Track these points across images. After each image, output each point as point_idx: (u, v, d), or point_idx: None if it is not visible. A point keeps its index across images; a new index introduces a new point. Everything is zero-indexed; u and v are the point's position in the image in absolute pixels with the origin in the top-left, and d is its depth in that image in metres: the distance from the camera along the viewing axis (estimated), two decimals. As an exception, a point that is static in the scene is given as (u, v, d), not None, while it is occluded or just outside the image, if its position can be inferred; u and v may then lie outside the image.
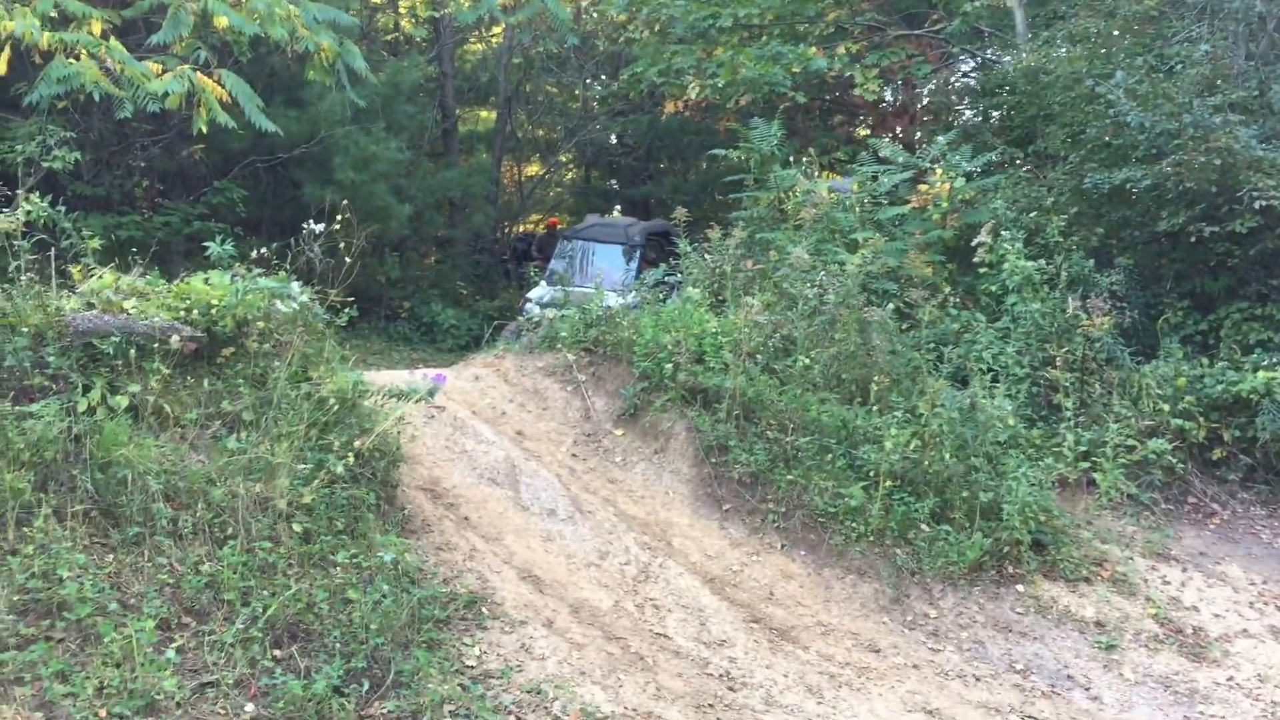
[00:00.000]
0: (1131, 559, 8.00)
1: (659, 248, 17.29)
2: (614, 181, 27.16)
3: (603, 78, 25.26)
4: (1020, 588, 7.53)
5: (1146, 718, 6.37)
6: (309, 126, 16.12)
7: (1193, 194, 9.96)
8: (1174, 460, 8.79)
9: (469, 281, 21.28)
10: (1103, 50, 12.11)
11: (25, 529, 5.14)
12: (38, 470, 5.36)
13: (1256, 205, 9.46)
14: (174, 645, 4.93)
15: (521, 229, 26.02)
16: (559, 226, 22.21)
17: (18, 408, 5.50)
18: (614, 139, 25.90)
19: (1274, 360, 9.23)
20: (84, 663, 4.72)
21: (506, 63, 23.73)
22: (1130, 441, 8.69)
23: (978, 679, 6.67)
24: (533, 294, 15.86)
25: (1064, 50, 12.57)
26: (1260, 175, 9.55)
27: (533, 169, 27.57)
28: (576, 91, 26.34)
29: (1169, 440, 8.78)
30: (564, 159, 27.08)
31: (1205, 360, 9.61)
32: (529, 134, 26.81)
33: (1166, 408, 9.04)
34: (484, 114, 26.88)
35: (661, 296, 10.72)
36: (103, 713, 4.51)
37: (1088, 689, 6.67)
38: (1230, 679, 6.84)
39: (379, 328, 17.92)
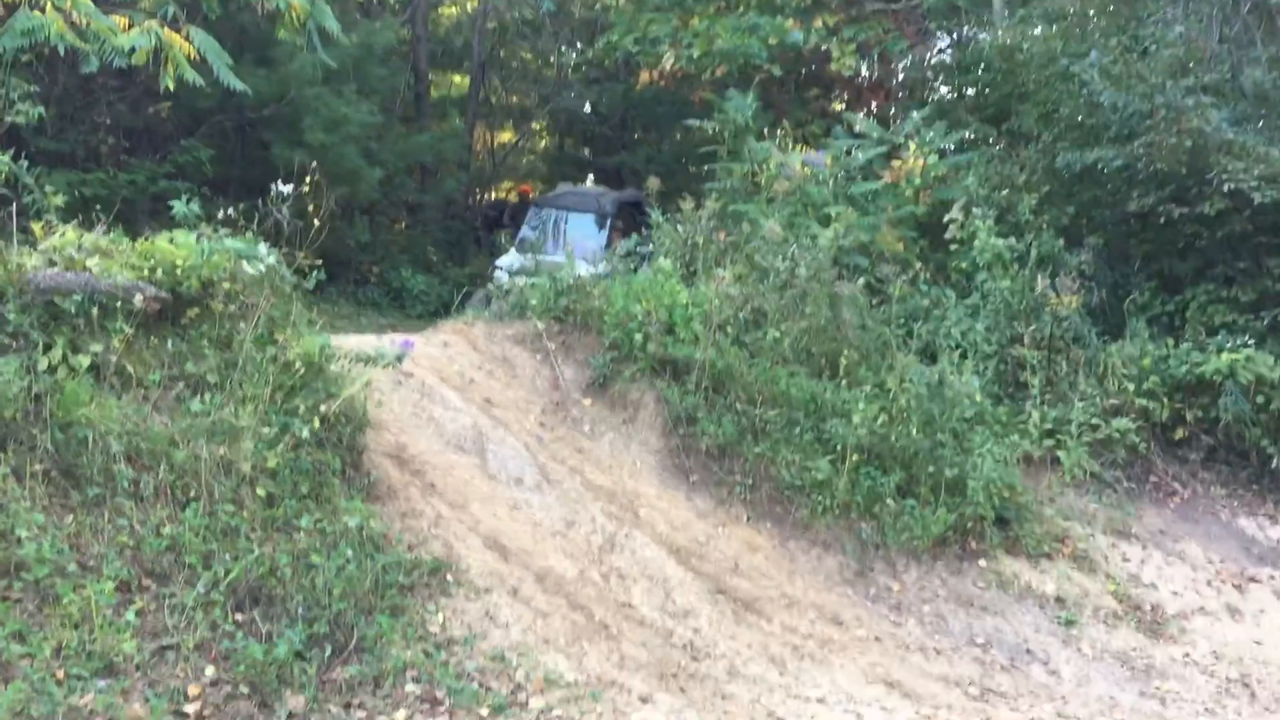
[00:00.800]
0: (1093, 536, 8.09)
1: (631, 218, 17.21)
2: (587, 150, 27.00)
3: (578, 45, 25.06)
4: (983, 563, 7.60)
5: (1103, 692, 6.45)
6: (279, 86, 15.89)
7: (1163, 175, 10.01)
8: (1137, 439, 8.88)
9: (439, 248, 21.11)
10: (1078, 30, 12.15)
11: (-17, 488, 5.06)
12: (-4, 429, 5.28)
13: (1225, 188, 9.52)
14: (134, 607, 4.88)
15: (493, 196, 25.84)
16: (531, 194, 22.08)
17: (-24, 365, 5.40)
18: (588, 107, 25.72)
19: (1238, 342, 9.31)
20: (42, 623, 4.67)
21: (481, 27, 23.49)
22: (1095, 420, 8.77)
23: (938, 652, 6.73)
24: (502, 261, 15.78)
25: (1040, 29, 12.60)
26: (1230, 158, 9.61)
27: (506, 136, 27.37)
28: (551, 58, 26.13)
29: (1133, 420, 8.87)
30: (537, 126, 26.92)
31: (1171, 341, 9.68)
32: (503, 100, 26.60)
33: (1131, 387, 9.12)
34: (457, 79, 26.61)
35: (633, 266, 10.68)
36: (60, 674, 4.46)
37: (1046, 663, 6.75)
38: (1186, 655, 6.94)
39: (347, 292, 17.76)
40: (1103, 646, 6.96)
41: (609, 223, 16.29)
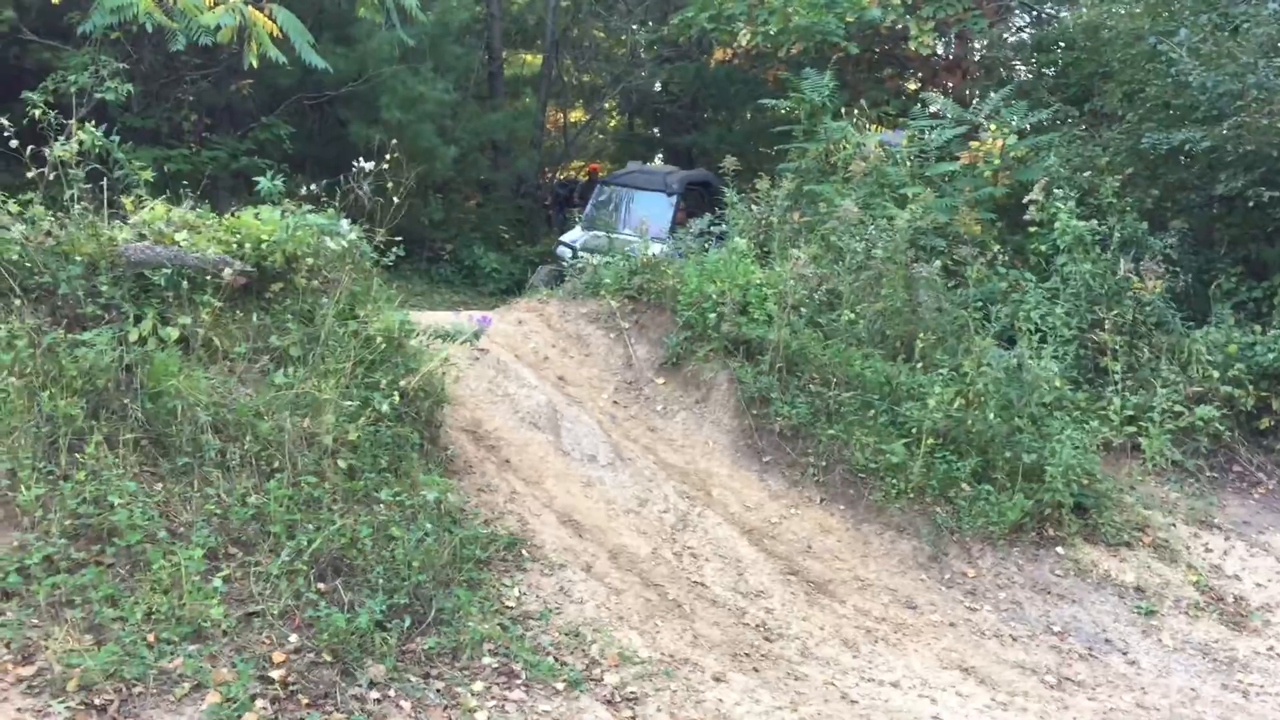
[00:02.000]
0: (1174, 525, 7.93)
1: (700, 198, 17.05)
2: (658, 130, 26.91)
3: (650, 23, 24.95)
4: (1060, 550, 7.49)
5: (1184, 684, 6.34)
6: (357, 64, 16.06)
7: (1252, 157, 9.75)
8: (1221, 428, 8.69)
9: (511, 226, 21.23)
10: (1166, 7, 11.82)
11: (77, 455, 5.21)
12: (89, 398, 5.42)
13: (1319, 171, 9.26)
14: (221, 574, 5.00)
15: (564, 175, 25.88)
16: (599, 173, 22.09)
17: (70, 335, 5.54)
18: (659, 86, 25.63)
19: (1327, 330, 9.07)
20: (133, 588, 4.80)
21: (554, 6, 23.50)
22: (1177, 407, 8.60)
23: (1014, 639, 6.66)
24: (566, 237, 15.89)
25: (1125, 6, 12.30)
26: (1324, 140, 9.34)
27: (577, 115, 27.38)
28: (623, 37, 26.06)
29: (1217, 407, 8.68)
30: (608, 105, 26.87)
31: (1257, 328, 9.45)
32: (574, 79, 26.60)
33: (1216, 374, 8.92)
34: (530, 58, 26.67)
35: (705, 246, 10.62)
36: (151, 637, 4.58)
37: (1125, 653, 6.65)
38: (1271, 649, 6.79)
39: (421, 269, 17.94)
40: (1184, 638, 6.83)
41: (675, 201, 16.11)
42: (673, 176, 16.86)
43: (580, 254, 14.49)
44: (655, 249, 13.27)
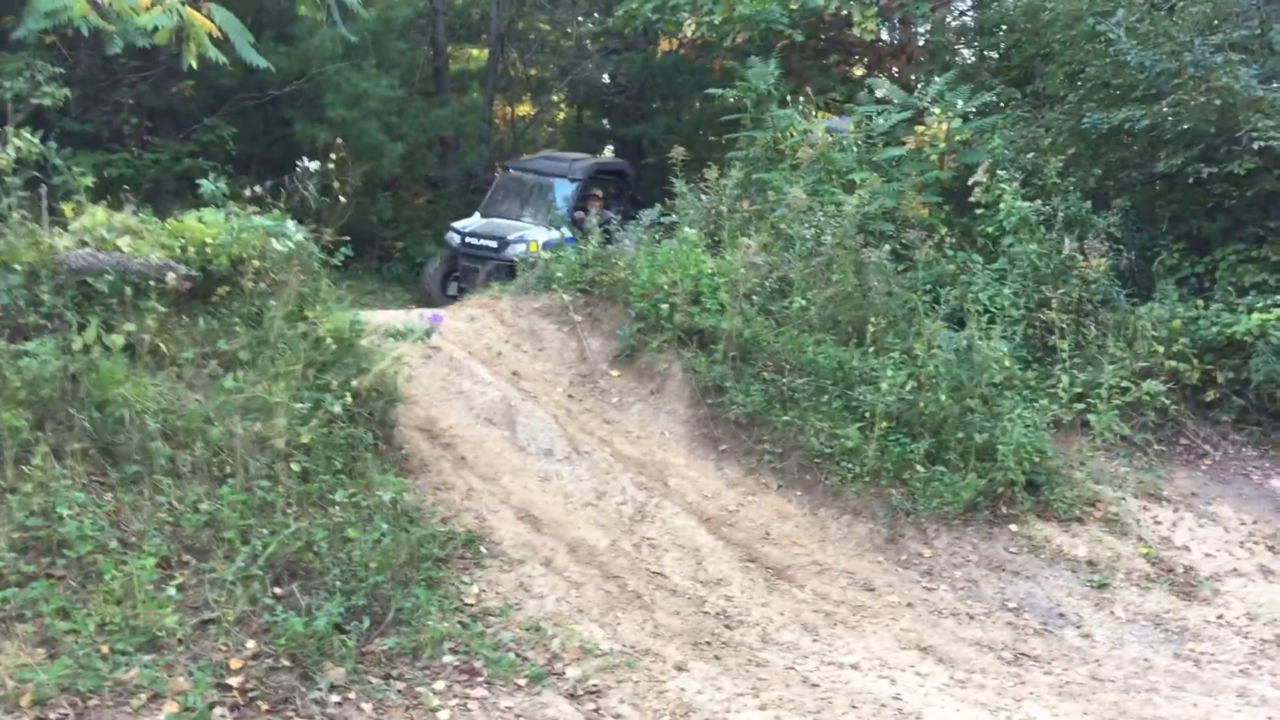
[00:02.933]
0: (1124, 499, 8.06)
1: (616, 187, 16.83)
2: (607, 121, 26.86)
3: (595, 15, 24.88)
4: (1014, 527, 7.59)
5: (1137, 655, 6.45)
6: (299, 63, 15.90)
7: (1191, 134, 9.89)
8: (1167, 402, 8.82)
9: (461, 222, 21.11)
10: (1103, -12, 11.95)
11: (24, 467, 5.15)
12: (34, 409, 5.35)
13: (1255, 146, 9.40)
14: (174, 583, 4.96)
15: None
16: None
17: (13, 346, 5.47)
18: (607, 78, 25.57)
19: (1268, 302, 9.21)
20: (85, 600, 4.75)
21: (499, -1, 23.39)
22: (1124, 383, 8.72)
23: (971, 617, 6.74)
24: (458, 224, 15.44)
25: (1064, -12, 12.39)
26: (1260, 116, 9.48)
27: (525, 108, 27.26)
28: (569, 29, 25.98)
29: (1163, 382, 8.81)
30: (556, 98, 26.77)
31: (1200, 302, 9.60)
32: (521, 73, 26.47)
33: (1161, 349, 9.05)
34: (475, 52, 26.50)
35: (657, 237, 10.61)
36: (105, 649, 4.54)
37: (1079, 627, 6.75)
38: (1220, 617, 6.92)
39: (372, 268, 17.80)
40: (1136, 609, 6.95)
41: (578, 189, 15.63)
42: (579, 164, 16.36)
43: (468, 240, 14.70)
44: (543, 237, 13.28)
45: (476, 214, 15.54)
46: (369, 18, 15.19)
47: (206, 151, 15.32)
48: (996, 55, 14.83)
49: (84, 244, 6.21)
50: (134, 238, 6.37)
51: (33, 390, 5.34)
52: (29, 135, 6.45)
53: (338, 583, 5.23)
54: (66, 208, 6.64)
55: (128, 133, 15.07)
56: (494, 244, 14.50)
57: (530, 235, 14.22)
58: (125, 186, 8.20)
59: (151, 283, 6.06)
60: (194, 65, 9.35)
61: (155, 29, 8.77)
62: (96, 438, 5.45)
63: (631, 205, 15.18)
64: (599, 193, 15.91)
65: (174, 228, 6.56)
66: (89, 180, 6.81)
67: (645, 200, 14.36)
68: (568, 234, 13.60)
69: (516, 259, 12.94)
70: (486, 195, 16.28)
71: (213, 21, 9.30)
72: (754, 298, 9.08)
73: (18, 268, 5.79)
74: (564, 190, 15.64)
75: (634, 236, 12.01)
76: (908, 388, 8.03)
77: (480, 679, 5.05)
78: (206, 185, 7.03)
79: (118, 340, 5.76)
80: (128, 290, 5.97)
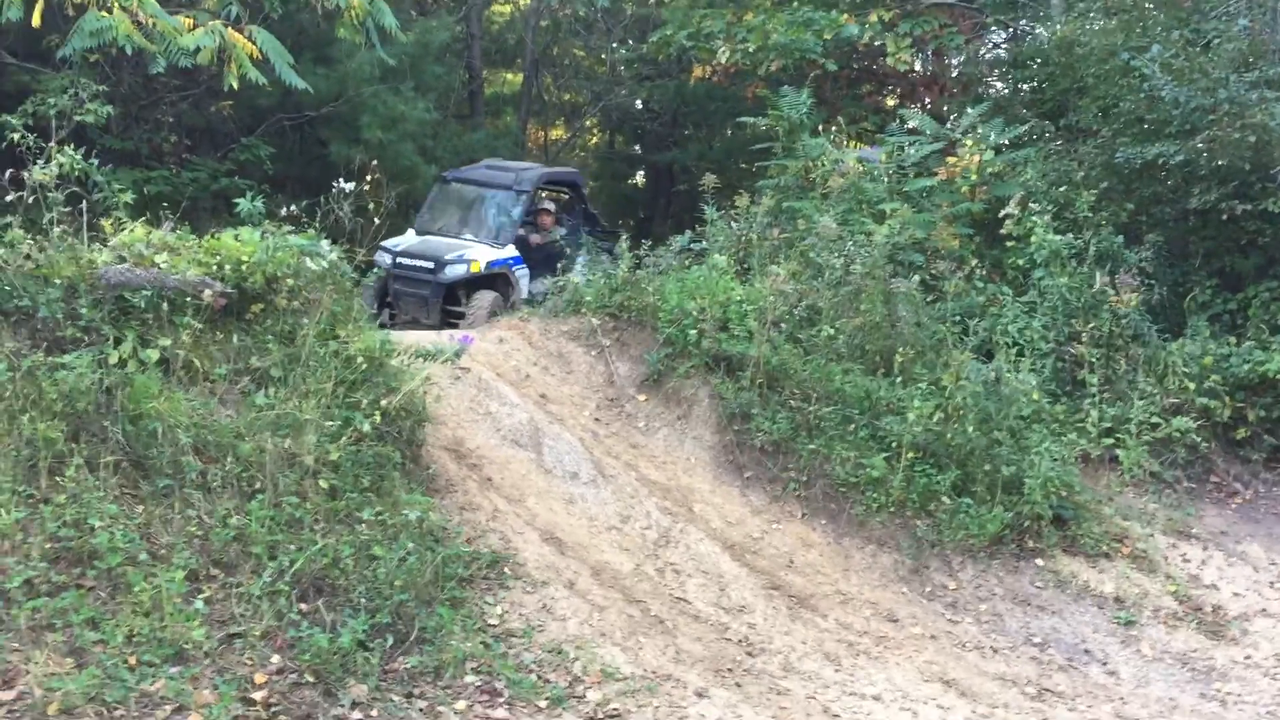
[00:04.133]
0: (1152, 536, 8.00)
1: (568, 200, 15.20)
2: (639, 147, 27.04)
3: (630, 42, 25.09)
4: (1040, 562, 7.55)
5: (1163, 694, 6.39)
6: (337, 85, 16.11)
7: (1225, 171, 9.88)
8: (1198, 439, 8.77)
9: (493, 245, 21.23)
10: (1139, 23, 11.97)
11: (57, 478, 5.20)
12: (69, 421, 5.42)
13: (1290, 184, 9.38)
14: (202, 596, 5.00)
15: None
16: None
17: (50, 359, 5.55)
18: (640, 104, 25.76)
19: (1302, 341, 9.17)
20: (114, 611, 4.79)
21: (534, 24, 23.62)
22: (1154, 419, 8.67)
23: (995, 651, 6.70)
24: (388, 242, 12.93)
25: (1099, 23, 12.45)
26: (1295, 153, 9.46)
27: (558, 133, 27.49)
28: (603, 55, 26.19)
29: (1193, 419, 8.76)
30: (589, 123, 26.98)
31: (1232, 339, 9.56)
32: (555, 97, 26.71)
33: (1192, 386, 9.00)
34: (510, 76, 26.77)
35: (687, 263, 10.62)
36: (132, 660, 4.58)
37: (1105, 664, 6.70)
38: (1248, 658, 6.85)
39: (403, 288, 17.90)
40: (1163, 647, 6.89)
41: (525, 201, 13.64)
42: (527, 173, 14.27)
43: (400, 261, 12.71)
44: (487, 257, 12.69)
45: (410, 231, 13.45)
46: (407, 41, 15.39)
47: (244, 170, 15.53)
48: (1029, 88, 14.84)
49: (122, 259, 6.31)
50: (171, 254, 6.47)
51: (68, 403, 5.42)
52: (71, 151, 6.57)
53: (363, 600, 5.26)
54: (106, 224, 6.75)
55: (167, 151, 15.30)
56: (430, 264, 12.62)
57: (471, 254, 12.75)
58: (164, 204, 8.35)
59: (187, 299, 6.14)
60: (235, 85, 9.53)
61: (198, 50, 8.96)
62: (129, 451, 5.52)
63: (585, 220, 14.52)
64: (550, 207, 14.38)
65: (210, 245, 6.65)
66: (128, 197, 6.92)
67: (607, 218, 14.12)
68: (514, 253, 12.96)
69: (455, 281, 12.44)
70: (421, 209, 14.05)
71: (254, 43, 9.48)
72: (782, 325, 9.10)
73: (57, 281, 5.88)
74: (510, 204, 13.65)
75: (587, 257, 11.96)
76: (935, 419, 8.02)
77: (501, 700, 5.06)
78: (243, 204, 7.13)
79: (153, 355, 5.84)
80: (164, 306, 6.05)
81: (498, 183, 13.84)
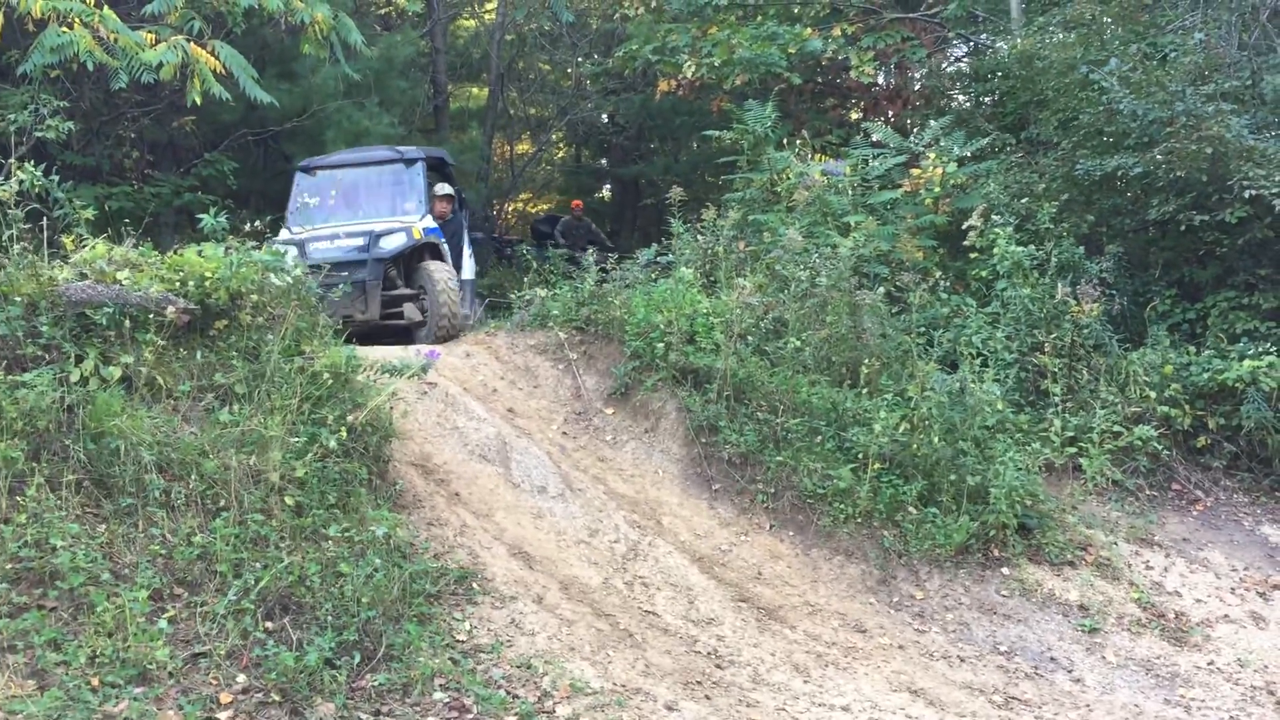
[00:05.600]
0: (1115, 544, 8.08)
1: (442, 177, 13.43)
2: (605, 161, 27.09)
3: (595, 56, 25.14)
4: (1005, 570, 7.60)
5: (1128, 700, 6.44)
6: (301, 100, 16.04)
7: (1183, 182, 10.00)
8: (1159, 447, 8.86)
9: (459, 259, 21.18)
10: (1097, 37, 12.11)
11: (18, 498, 5.16)
12: (30, 439, 5.37)
13: (1246, 195, 9.51)
14: (166, 615, 4.96)
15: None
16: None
17: (10, 377, 5.50)
18: (606, 118, 25.81)
19: (1260, 349, 9.28)
20: (76, 631, 4.75)
21: (499, 39, 23.61)
22: (1116, 428, 8.76)
23: (962, 660, 6.74)
24: (280, 239, 10.73)
25: (1058, 36, 12.57)
26: (1251, 165, 9.59)
27: (524, 147, 27.48)
28: (569, 70, 26.23)
29: (1155, 427, 8.85)
30: (555, 137, 27.00)
31: (1192, 348, 9.66)
32: (520, 112, 26.72)
33: (1153, 395, 9.10)
34: (476, 91, 26.75)
35: (653, 276, 10.61)
36: (95, 681, 4.53)
37: (1070, 671, 6.75)
38: (1211, 663, 6.92)
39: (369, 303, 17.81)
40: (1127, 654, 6.95)
41: (420, 171, 12.26)
42: (409, 151, 12.89)
43: (314, 247, 10.92)
44: (422, 224, 11.28)
45: (284, 230, 11.46)
46: (371, 56, 15.38)
47: (207, 186, 15.42)
48: (991, 101, 14.98)
49: (84, 276, 6.27)
50: (133, 271, 6.43)
51: (29, 421, 5.37)
52: (31, 168, 6.53)
53: (329, 618, 5.23)
54: (67, 240, 6.71)
55: (129, 166, 15.17)
56: (360, 240, 11.05)
57: (402, 221, 11.40)
58: (126, 220, 8.26)
59: (150, 316, 6.10)
60: (198, 100, 9.51)
61: (160, 65, 8.93)
62: (91, 469, 5.47)
63: (460, 205, 13.37)
64: (450, 192, 12.99)
65: (173, 261, 6.62)
66: (90, 213, 6.89)
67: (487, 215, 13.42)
68: (436, 225, 11.89)
69: (395, 255, 11.07)
70: (290, 204, 11.82)
71: (217, 58, 9.45)
72: (749, 338, 9.14)
73: (17, 299, 5.84)
74: (405, 175, 12.23)
75: (471, 249, 11.69)
76: (901, 429, 8.07)
77: (470, 716, 5.04)
78: (206, 220, 7.11)
79: (115, 372, 5.80)
80: (126, 323, 6.01)
81: (385, 159, 12.49)
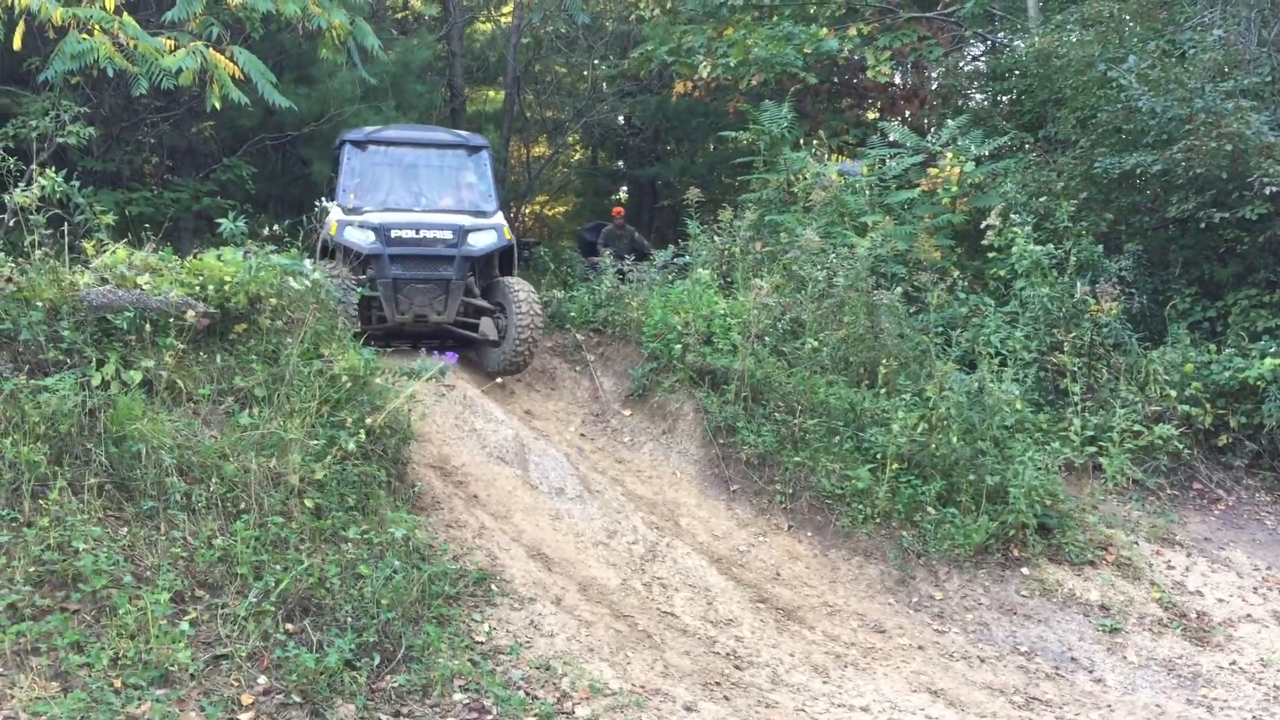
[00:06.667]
0: (1136, 543, 8.04)
1: None
2: (621, 163, 27.10)
3: (611, 58, 25.14)
4: (1025, 571, 7.57)
5: (1150, 700, 6.41)
6: (319, 104, 16.07)
7: (1203, 180, 9.95)
8: (1180, 446, 8.81)
9: (477, 261, 21.22)
10: (1115, 35, 12.06)
11: (41, 501, 5.19)
12: (53, 443, 5.41)
13: (1267, 191, 9.45)
14: (188, 618, 4.98)
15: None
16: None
17: (33, 381, 5.54)
18: (622, 120, 25.82)
19: (1281, 347, 9.24)
20: (99, 634, 4.77)
21: (515, 42, 23.65)
22: (1137, 427, 8.72)
23: (982, 660, 6.72)
24: (336, 221, 9.52)
25: (1076, 34, 12.52)
26: (1271, 161, 9.53)
27: (540, 149, 27.52)
28: (585, 72, 26.26)
29: (1175, 426, 8.80)
30: (572, 140, 27.03)
31: (1212, 347, 9.61)
32: (537, 114, 26.75)
33: (1173, 393, 9.06)
34: (492, 94, 26.80)
35: (670, 278, 10.61)
36: (118, 683, 4.56)
37: (1091, 671, 6.72)
38: (1233, 663, 6.88)
39: (387, 306, 17.87)
40: (1148, 654, 6.91)
41: (487, 169, 10.82)
42: (468, 134, 11.64)
43: (395, 234, 9.39)
44: (501, 224, 9.83)
45: (335, 208, 9.85)
46: (389, 60, 15.42)
47: (226, 191, 15.48)
48: (1008, 100, 14.94)
49: (104, 281, 6.31)
50: (153, 275, 6.47)
51: (51, 425, 5.41)
52: (53, 174, 6.58)
53: (349, 619, 5.25)
54: (88, 245, 6.76)
55: (148, 172, 15.26)
56: (448, 235, 9.50)
57: (490, 219, 9.97)
58: (145, 225, 8.34)
59: (170, 320, 6.14)
60: (218, 105, 9.56)
61: (180, 71, 8.99)
62: (113, 473, 5.50)
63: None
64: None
65: (193, 266, 6.66)
66: (110, 218, 6.94)
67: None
68: (498, 226, 10.03)
69: (482, 256, 9.65)
70: (341, 179, 10.26)
71: (235, 64, 9.50)
72: (766, 339, 9.14)
73: (39, 304, 5.88)
74: (480, 167, 10.80)
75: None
76: (919, 429, 8.06)
77: (490, 717, 5.05)
78: (225, 224, 7.15)
79: (135, 376, 5.83)
80: (146, 327, 6.05)
81: (441, 141, 11.02)
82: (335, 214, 9.56)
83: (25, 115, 9.63)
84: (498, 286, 9.69)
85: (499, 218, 9.88)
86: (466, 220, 9.67)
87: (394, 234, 9.28)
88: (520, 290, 9.40)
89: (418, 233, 9.40)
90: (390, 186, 10.24)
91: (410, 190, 10.32)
